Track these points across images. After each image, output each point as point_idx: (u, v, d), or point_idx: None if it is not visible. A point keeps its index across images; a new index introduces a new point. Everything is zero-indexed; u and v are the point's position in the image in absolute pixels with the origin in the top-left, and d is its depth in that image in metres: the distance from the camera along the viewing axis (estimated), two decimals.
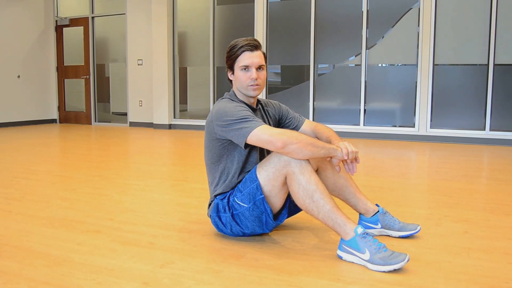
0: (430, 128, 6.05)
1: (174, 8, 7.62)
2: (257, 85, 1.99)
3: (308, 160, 1.84)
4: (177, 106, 7.78)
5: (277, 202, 1.92)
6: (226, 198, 1.99)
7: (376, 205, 2.12)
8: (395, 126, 6.31)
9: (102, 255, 1.86)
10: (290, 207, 2.04)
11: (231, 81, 2.08)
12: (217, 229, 2.07)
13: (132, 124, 8.21)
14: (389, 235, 2.07)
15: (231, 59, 2.01)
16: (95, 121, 8.72)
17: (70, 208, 2.59)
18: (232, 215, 1.97)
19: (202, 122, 7.48)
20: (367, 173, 3.85)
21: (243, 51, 1.97)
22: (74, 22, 8.68)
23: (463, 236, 2.13)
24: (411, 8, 6.09)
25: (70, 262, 1.78)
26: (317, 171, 2.04)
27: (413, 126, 6.16)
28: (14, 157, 4.57)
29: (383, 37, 6.32)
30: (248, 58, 1.97)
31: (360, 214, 2.12)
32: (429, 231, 2.18)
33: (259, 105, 2.16)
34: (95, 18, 8.53)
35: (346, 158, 1.86)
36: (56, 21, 8.78)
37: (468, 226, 2.27)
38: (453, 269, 1.72)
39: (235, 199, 1.95)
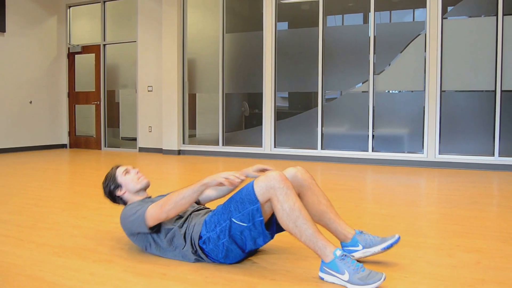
0: (439, 154, 6.04)
1: (184, 36, 7.77)
2: (142, 175, 2.39)
3: (291, 185, 1.96)
4: (186, 132, 7.85)
5: (267, 215, 2.02)
6: (213, 228, 2.05)
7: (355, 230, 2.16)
8: (404, 152, 6.31)
9: (114, 285, 1.87)
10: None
11: (122, 199, 2.37)
12: (221, 261, 2.10)
13: (142, 149, 8.27)
14: (374, 253, 2.08)
15: (112, 180, 2.36)
16: (105, 146, 8.79)
17: (82, 236, 2.61)
18: (230, 236, 2.01)
19: (211, 148, 7.52)
20: (377, 200, 3.84)
21: (116, 169, 2.39)
22: (86, 49, 8.85)
23: (476, 266, 2.11)
24: (419, 35, 6.16)
25: None
26: (299, 195, 2.12)
27: (422, 152, 6.15)
28: (26, 182, 4.62)
29: (389, 65, 6.38)
30: (122, 166, 2.41)
31: (341, 242, 2.16)
32: (441, 262, 2.17)
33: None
34: (107, 45, 8.70)
35: (221, 180, 2.02)
36: (69, 48, 8.96)
37: (481, 256, 2.26)
38: None
39: (233, 220, 1.99)
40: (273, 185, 1.93)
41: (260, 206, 1.95)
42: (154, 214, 2.08)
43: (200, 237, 2.08)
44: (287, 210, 1.90)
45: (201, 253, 2.10)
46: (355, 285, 1.79)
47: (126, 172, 2.37)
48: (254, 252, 2.24)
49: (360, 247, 2.09)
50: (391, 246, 2.06)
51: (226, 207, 2.05)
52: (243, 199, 1.99)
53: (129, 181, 2.35)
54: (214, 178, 2.02)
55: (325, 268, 1.88)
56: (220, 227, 2.03)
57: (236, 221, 1.99)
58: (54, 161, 6.78)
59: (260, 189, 1.95)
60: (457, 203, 3.66)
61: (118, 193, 2.36)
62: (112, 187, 2.36)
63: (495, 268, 2.10)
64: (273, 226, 2.09)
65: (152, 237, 2.20)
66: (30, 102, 8.31)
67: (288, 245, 2.39)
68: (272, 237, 2.06)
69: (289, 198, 1.91)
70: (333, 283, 1.86)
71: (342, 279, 1.82)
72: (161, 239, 2.18)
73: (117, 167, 2.42)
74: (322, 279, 1.90)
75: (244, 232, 1.98)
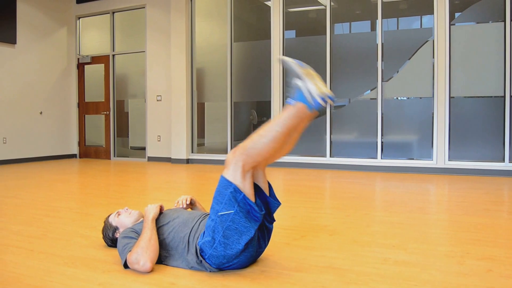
0: (448, 160, 6.00)
1: (192, 45, 7.82)
2: (132, 210, 2.54)
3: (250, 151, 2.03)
4: (195, 141, 7.88)
5: (248, 191, 2.04)
6: (204, 233, 2.08)
7: None
8: (413, 159, 6.28)
9: None
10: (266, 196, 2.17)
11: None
12: (224, 262, 2.09)
13: (150, 159, 8.31)
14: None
15: (109, 227, 2.50)
16: (114, 156, 8.85)
17: (91, 247, 2.62)
18: (224, 231, 2.02)
19: (219, 157, 7.54)
20: (386, 208, 3.82)
21: (108, 218, 2.53)
22: (95, 59, 8.95)
23: (487, 274, 2.08)
24: (426, 41, 6.15)
25: None
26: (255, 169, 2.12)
27: (431, 159, 6.11)
28: (36, 193, 4.66)
29: (398, 71, 6.36)
30: (111, 213, 2.56)
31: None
32: (451, 270, 2.15)
33: None
34: (116, 55, 8.78)
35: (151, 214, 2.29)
36: (78, 59, 9.06)
37: (492, 264, 2.23)
38: None
39: (220, 213, 2.02)
40: (233, 157, 2.02)
41: (237, 186, 2.00)
42: (134, 267, 2.11)
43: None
44: (256, 140, 2.01)
45: (204, 262, 2.11)
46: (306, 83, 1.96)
47: (118, 214, 2.52)
48: (255, 261, 2.22)
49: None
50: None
51: (211, 208, 2.10)
52: (220, 190, 2.06)
53: (123, 219, 2.49)
54: (151, 209, 2.31)
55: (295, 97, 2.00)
56: (210, 228, 2.05)
57: (223, 212, 2.02)
58: (64, 171, 6.83)
59: (227, 172, 2.04)
60: (467, 210, 3.63)
61: (118, 235, 2.47)
62: (110, 233, 2.50)
63: (507, 276, 2.07)
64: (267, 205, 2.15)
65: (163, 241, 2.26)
66: (40, 113, 8.41)
67: (295, 254, 2.39)
68: (262, 210, 2.09)
69: (255, 143, 2.00)
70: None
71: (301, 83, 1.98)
72: (165, 244, 2.25)
73: (108, 216, 2.56)
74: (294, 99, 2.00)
75: (235, 218, 2.01)
